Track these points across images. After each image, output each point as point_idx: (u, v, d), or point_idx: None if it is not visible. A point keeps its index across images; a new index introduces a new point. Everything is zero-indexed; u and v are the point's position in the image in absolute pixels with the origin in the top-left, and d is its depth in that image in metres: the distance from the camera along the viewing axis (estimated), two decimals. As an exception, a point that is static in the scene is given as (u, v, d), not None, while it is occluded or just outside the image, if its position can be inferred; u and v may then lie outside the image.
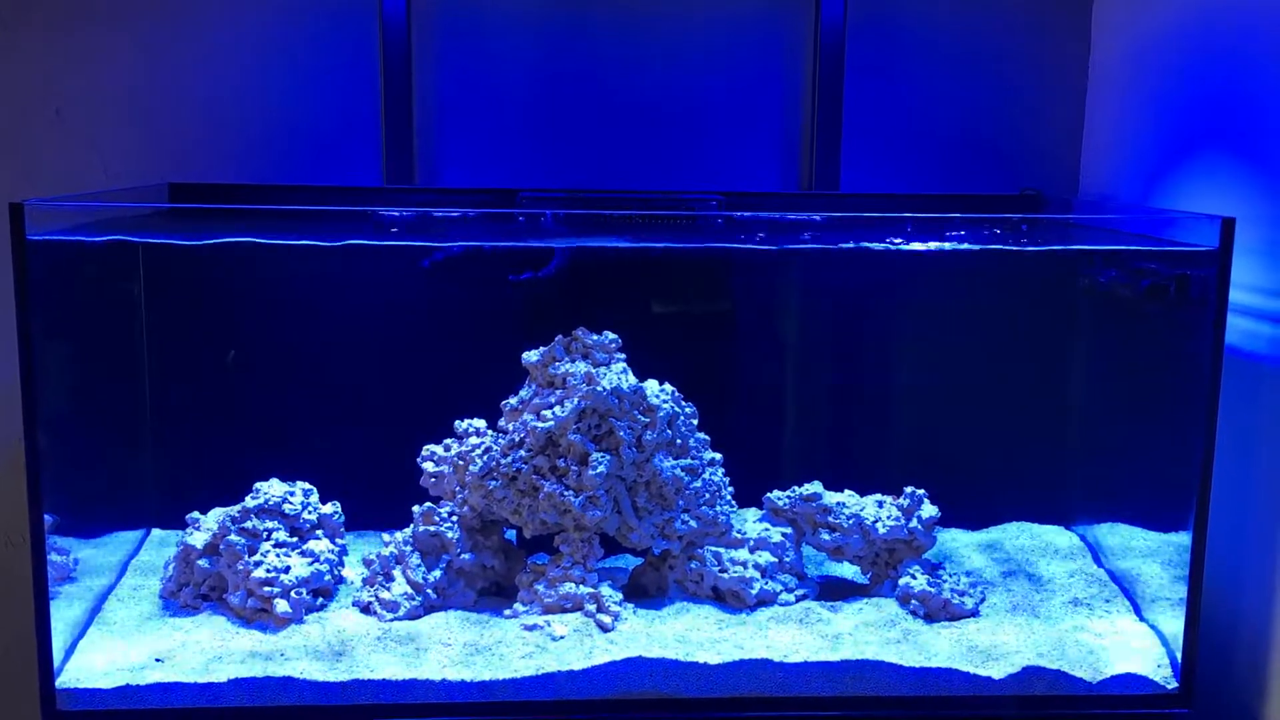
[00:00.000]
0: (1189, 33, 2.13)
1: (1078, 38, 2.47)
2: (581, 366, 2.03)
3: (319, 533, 2.11)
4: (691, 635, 1.92)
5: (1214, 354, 1.79)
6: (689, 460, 2.06)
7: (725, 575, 2.02)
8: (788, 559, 2.08)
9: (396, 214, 2.07)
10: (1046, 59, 2.48)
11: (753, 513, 2.16)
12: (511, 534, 2.13)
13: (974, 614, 2.02)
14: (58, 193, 2.22)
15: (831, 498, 2.12)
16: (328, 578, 2.04)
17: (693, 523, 2.04)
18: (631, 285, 2.32)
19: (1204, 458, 1.81)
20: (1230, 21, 2.01)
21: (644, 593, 2.07)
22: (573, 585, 1.97)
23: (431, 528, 2.04)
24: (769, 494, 2.15)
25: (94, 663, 1.84)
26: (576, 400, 1.98)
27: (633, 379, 2.04)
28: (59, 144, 2.36)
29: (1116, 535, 2.22)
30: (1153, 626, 1.99)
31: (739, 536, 2.08)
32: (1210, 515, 1.82)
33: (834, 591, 2.12)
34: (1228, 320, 1.79)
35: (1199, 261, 1.85)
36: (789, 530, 2.11)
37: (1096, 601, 2.08)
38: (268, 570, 1.96)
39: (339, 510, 2.15)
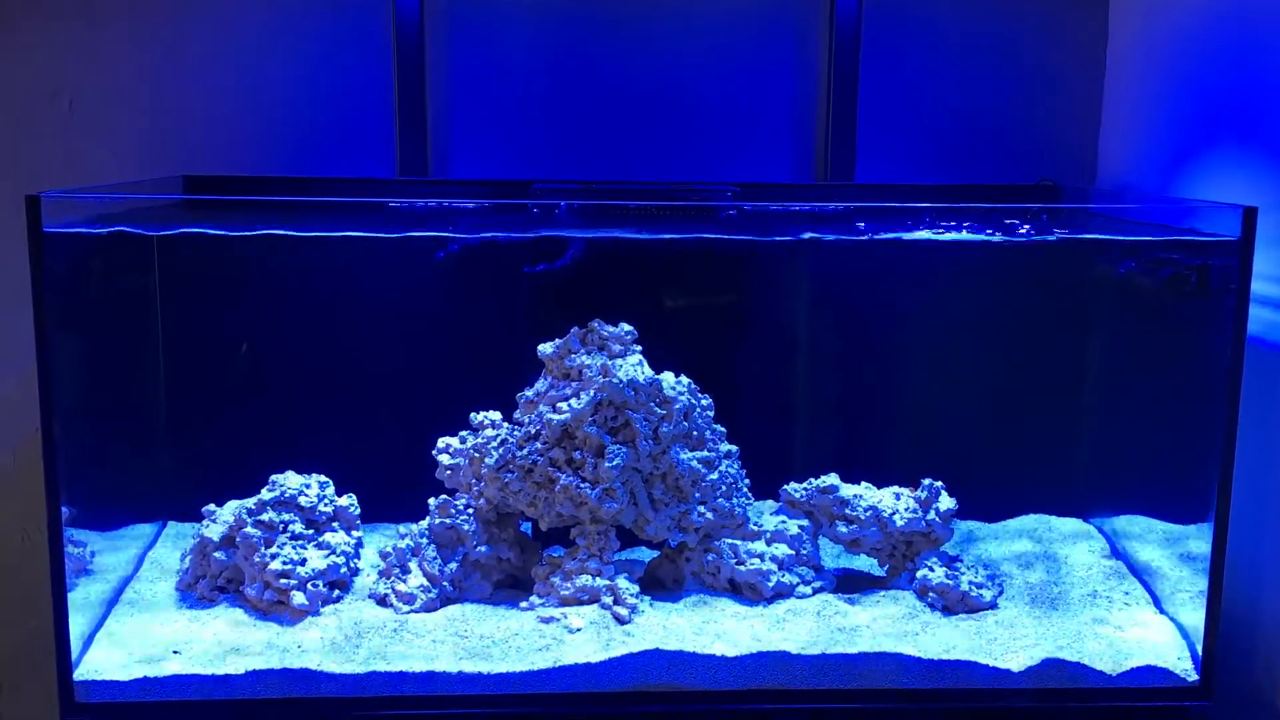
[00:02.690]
0: (1207, 20, 2.11)
1: (1095, 27, 2.46)
2: (597, 359, 2.02)
3: (335, 525, 2.11)
4: (708, 627, 1.92)
5: (1235, 344, 1.78)
6: (705, 452, 2.05)
7: (742, 568, 2.02)
8: (805, 551, 2.07)
9: (413, 205, 2.07)
10: (1064, 48, 2.46)
11: (769, 505, 2.16)
12: (527, 526, 2.13)
13: (992, 606, 2.01)
14: (72, 185, 2.22)
15: (848, 490, 2.12)
16: (344, 570, 2.04)
17: (709, 515, 2.03)
18: (647, 277, 2.31)
19: (1224, 449, 1.80)
20: (1249, 9, 1.99)
21: (660, 585, 2.07)
22: (589, 578, 1.97)
23: (447, 520, 2.03)
24: (786, 486, 2.14)
25: (111, 655, 1.85)
26: (592, 392, 1.97)
27: (649, 371, 2.03)
28: (72, 137, 2.36)
29: (1135, 527, 2.21)
30: (1172, 618, 1.98)
31: (756, 529, 2.07)
32: (1231, 507, 1.81)
33: (851, 584, 2.11)
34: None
35: (1220, 251, 1.83)
36: (806, 523, 2.11)
37: (1115, 594, 2.08)
38: (284, 562, 1.96)
39: (355, 503, 2.15)
